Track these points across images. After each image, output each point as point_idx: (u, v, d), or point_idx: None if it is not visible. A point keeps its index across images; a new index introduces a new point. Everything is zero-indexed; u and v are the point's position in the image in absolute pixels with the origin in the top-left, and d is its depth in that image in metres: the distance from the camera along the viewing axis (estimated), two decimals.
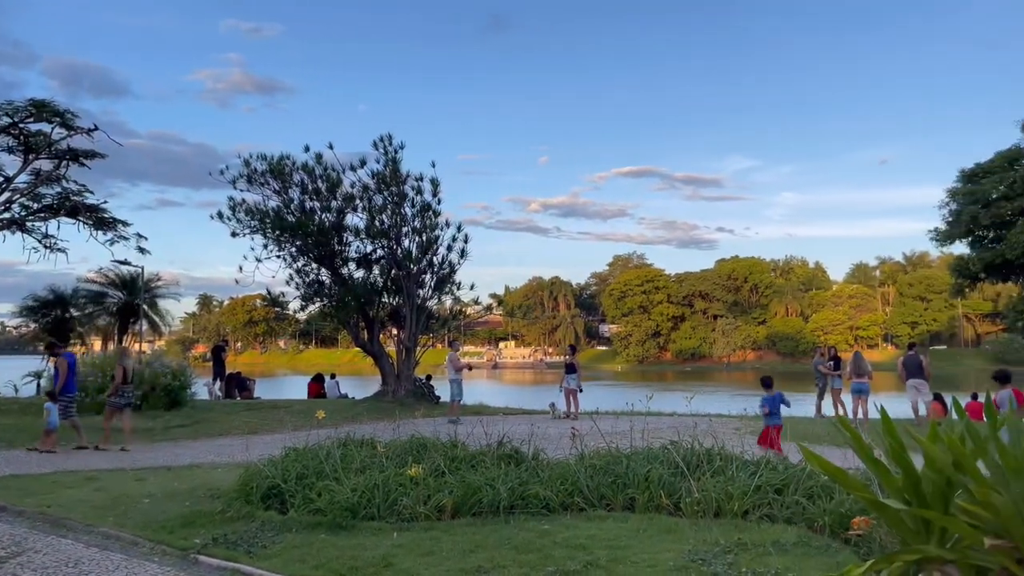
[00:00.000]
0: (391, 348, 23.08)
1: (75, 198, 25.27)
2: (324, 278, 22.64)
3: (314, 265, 22.44)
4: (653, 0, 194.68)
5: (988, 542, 3.18)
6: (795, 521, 6.30)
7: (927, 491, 3.47)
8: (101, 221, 26.04)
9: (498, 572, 5.32)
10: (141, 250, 27.56)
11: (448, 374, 17.94)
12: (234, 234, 21.52)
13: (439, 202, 22.02)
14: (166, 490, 8.88)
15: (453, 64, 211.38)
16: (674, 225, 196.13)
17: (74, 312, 42.09)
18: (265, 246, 21.72)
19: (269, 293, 23.81)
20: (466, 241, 22.38)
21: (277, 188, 21.58)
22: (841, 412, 18.17)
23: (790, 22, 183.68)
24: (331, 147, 21.71)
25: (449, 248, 22.27)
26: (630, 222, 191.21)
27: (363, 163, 21.64)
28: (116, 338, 42.54)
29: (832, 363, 19.41)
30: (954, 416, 4.15)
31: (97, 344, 46.92)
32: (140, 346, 37.51)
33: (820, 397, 19.81)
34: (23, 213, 25.01)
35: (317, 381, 26.54)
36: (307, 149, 21.57)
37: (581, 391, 18.54)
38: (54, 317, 40.58)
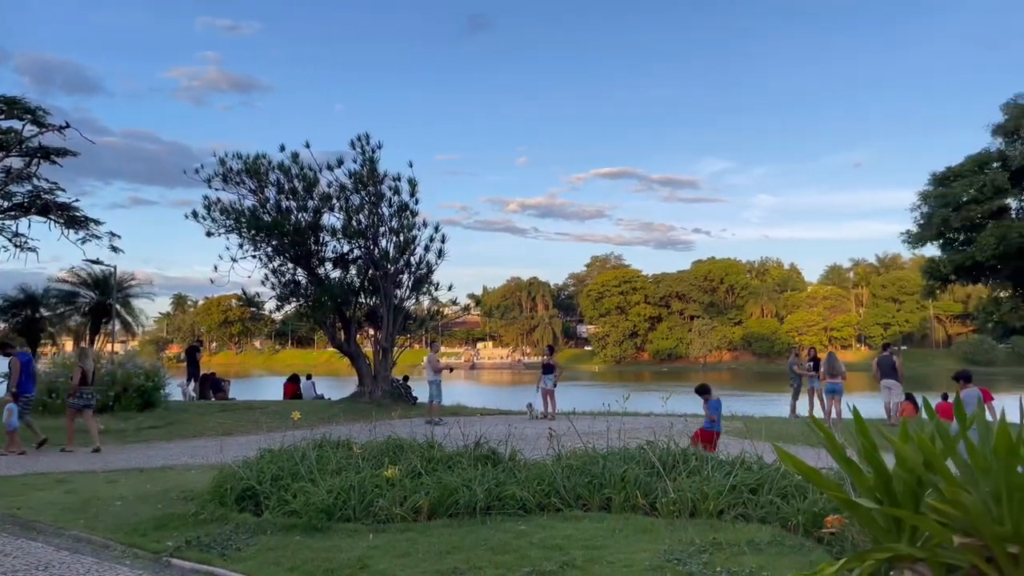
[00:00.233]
0: (368, 349, 22.98)
1: (46, 196, 24.91)
2: (300, 278, 22.48)
3: (290, 265, 22.28)
4: (632, 3, 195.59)
5: (957, 540, 3.23)
6: (769, 520, 6.36)
7: (898, 490, 3.52)
8: (73, 220, 25.70)
9: (474, 573, 5.31)
10: (114, 249, 27.26)
11: (427, 375, 17.88)
12: (209, 233, 21.33)
13: (417, 202, 21.97)
14: (138, 492, 8.77)
15: (432, 64, 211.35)
16: (651, 226, 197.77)
17: (45, 312, 41.45)
18: (240, 246, 21.54)
19: (244, 293, 23.60)
20: (444, 241, 22.34)
21: (253, 187, 21.40)
22: (818, 413, 18.33)
23: (766, 25, 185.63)
24: (308, 146, 21.60)
25: (427, 248, 22.22)
26: (608, 223, 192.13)
27: (340, 163, 21.54)
28: (88, 338, 41.95)
29: (812, 364, 19.55)
30: (924, 416, 4.21)
31: (69, 344, 46.22)
32: (113, 346, 36.96)
33: (795, 398, 19.98)
34: None
35: (293, 382, 26.35)
36: (283, 148, 21.42)
37: (551, 388, 18.50)
38: (24, 317, 39.93)
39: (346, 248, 22.27)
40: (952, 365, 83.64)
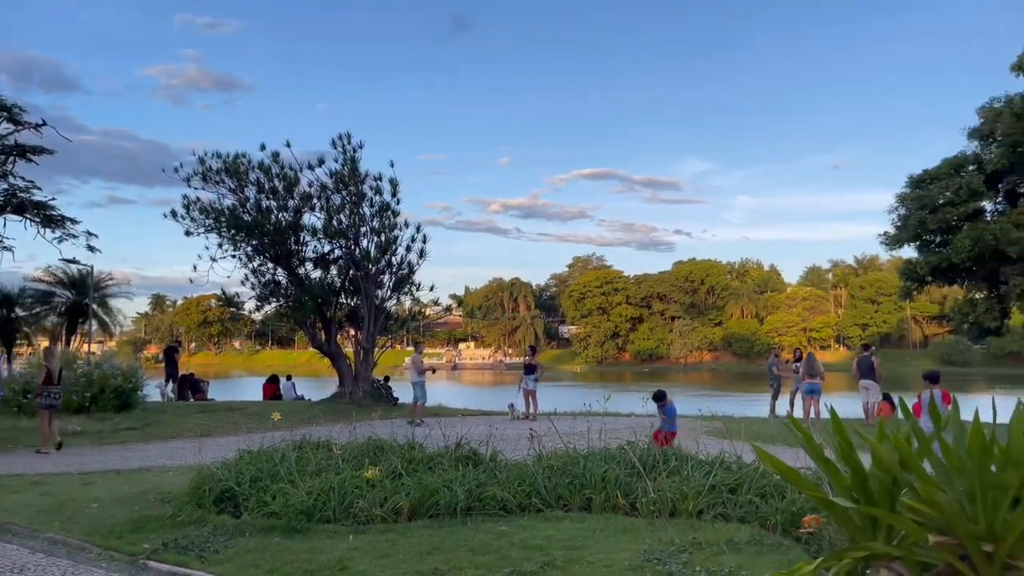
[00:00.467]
0: (349, 349, 22.88)
1: (22, 195, 24.52)
2: (280, 278, 22.37)
3: (270, 265, 22.17)
4: (613, 4, 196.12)
5: (933, 539, 3.27)
6: (748, 520, 6.41)
7: (874, 489, 3.55)
8: (49, 219, 25.31)
9: (455, 574, 5.31)
10: (91, 248, 26.84)
11: (411, 376, 17.82)
12: (188, 233, 21.20)
13: (398, 202, 21.94)
14: (115, 494, 8.68)
15: (414, 64, 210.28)
16: (633, 227, 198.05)
17: (20, 312, 41.00)
18: (220, 245, 21.44)
19: (224, 293, 23.43)
20: (425, 241, 22.32)
21: (233, 187, 21.27)
22: (798, 413, 18.44)
23: (746, 26, 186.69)
24: (288, 145, 21.47)
25: (408, 248, 22.19)
26: (590, 224, 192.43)
27: (321, 162, 21.47)
28: (64, 339, 41.48)
29: (798, 365, 19.60)
30: (900, 416, 4.26)
31: (44, 345, 45.68)
32: (90, 347, 36.55)
33: (774, 398, 20.13)
34: None
35: (272, 382, 26.18)
36: (263, 147, 21.33)
37: (533, 388, 18.51)
38: None
39: (327, 248, 22.22)
40: (929, 366, 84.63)
